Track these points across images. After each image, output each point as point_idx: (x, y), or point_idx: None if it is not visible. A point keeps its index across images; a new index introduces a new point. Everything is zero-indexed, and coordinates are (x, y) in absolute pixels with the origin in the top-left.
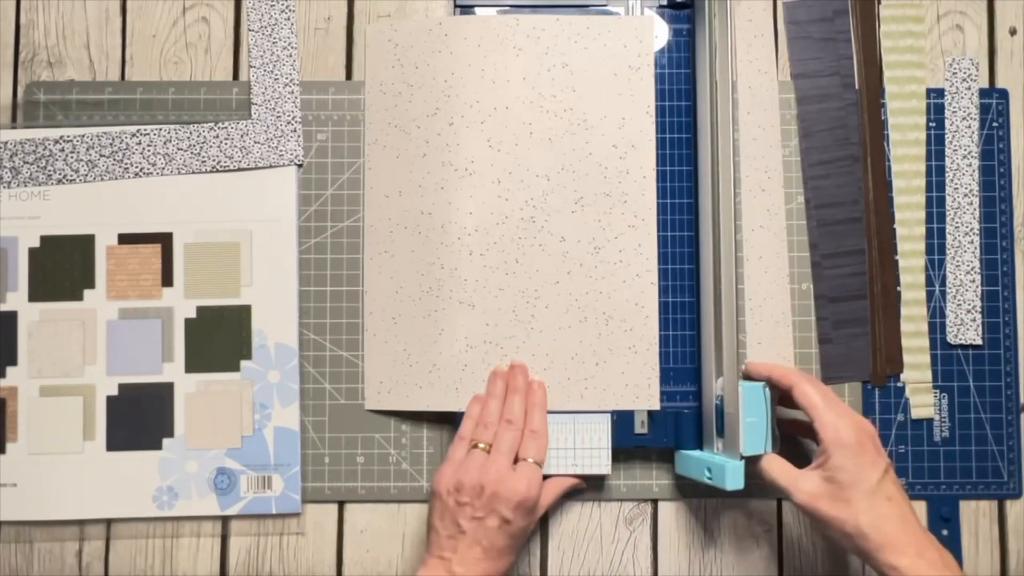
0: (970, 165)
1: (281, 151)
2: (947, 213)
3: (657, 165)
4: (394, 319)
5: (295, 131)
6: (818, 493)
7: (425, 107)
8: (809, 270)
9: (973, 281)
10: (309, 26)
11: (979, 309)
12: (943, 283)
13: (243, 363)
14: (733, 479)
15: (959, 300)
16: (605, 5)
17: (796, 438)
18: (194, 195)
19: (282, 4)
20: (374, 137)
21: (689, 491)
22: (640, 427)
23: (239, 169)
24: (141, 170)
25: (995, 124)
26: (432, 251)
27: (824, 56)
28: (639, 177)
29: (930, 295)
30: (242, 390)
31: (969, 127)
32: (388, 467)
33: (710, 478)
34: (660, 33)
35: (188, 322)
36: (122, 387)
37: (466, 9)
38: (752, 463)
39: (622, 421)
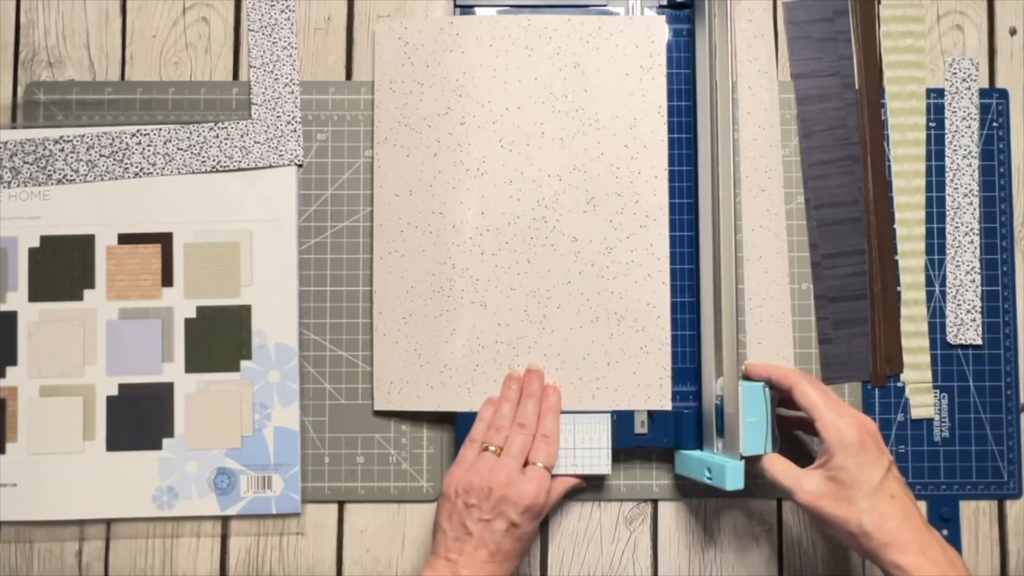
0: (970, 165)
1: (281, 151)
2: (947, 213)
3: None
4: (404, 319)
5: (295, 131)
6: (820, 493)
7: (436, 106)
8: (809, 270)
9: (973, 281)
10: (309, 26)
11: (979, 309)
12: (943, 283)
13: (243, 363)
14: (733, 479)
15: (959, 300)
16: (605, 5)
17: (796, 437)
18: (194, 195)
19: (282, 4)
20: (383, 135)
21: (689, 491)
22: (640, 427)
23: (239, 169)
24: (141, 170)
25: (995, 124)
26: (443, 251)
27: (824, 56)
28: (651, 177)
29: (930, 295)
30: (242, 390)
31: (969, 127)
32: (388, 467)
33: (710, 478)
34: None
35: (188, 322)
36: (122, 387)
37: (466, 9)
38: (753, 463)
39: (622, 421)
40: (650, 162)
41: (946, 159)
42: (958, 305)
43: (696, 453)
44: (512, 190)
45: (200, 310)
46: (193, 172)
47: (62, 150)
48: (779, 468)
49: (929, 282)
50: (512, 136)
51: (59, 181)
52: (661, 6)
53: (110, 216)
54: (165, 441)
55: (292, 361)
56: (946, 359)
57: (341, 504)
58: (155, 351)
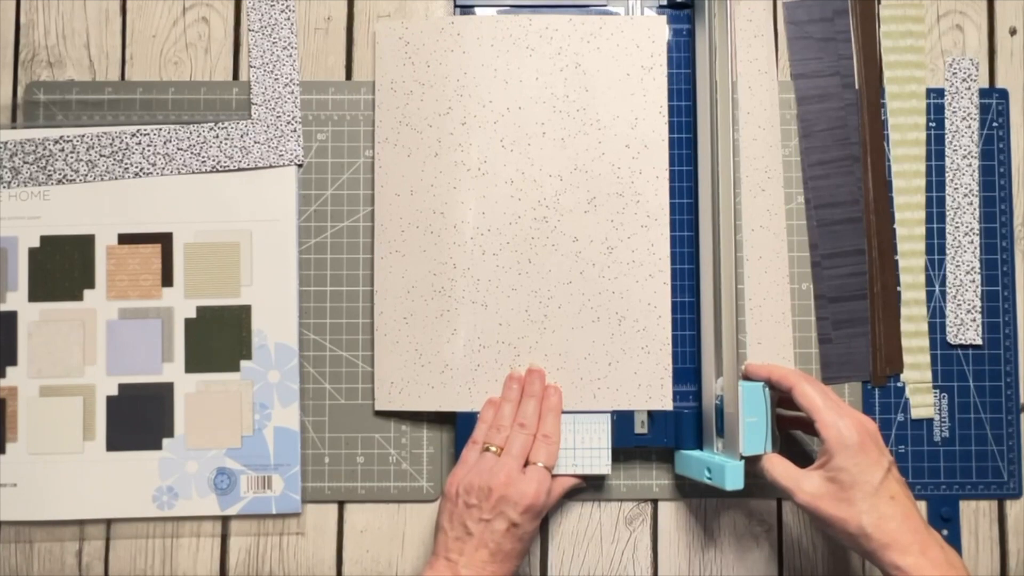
0: (970, 165)
1: (281, 151)
2: (947, 213)
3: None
4: (405, 319)
5: (295, 131)
6: (820, 493)
7: (437, 106)
8: (809, 270)
9: (973, 281)
10: (309, 26)
11: (979, 309)
12: (943, 283)
13: (243, 363)
14: (733, 479)
15: (959, 300)
16: (605, 5)
17: (796, 437)
18: (194, 195)
19: (282, 4)
20: (384, 135)
21: (689, 491)
22: (640, 427)
23: (239, 169)
24: (141, 170)
25: (995, 124)
26: (444, 250)
27: (824, 56)
28: (652, 177)
29: (930, 295)
30: (242, 390)
31: (969, 127)
32: (388, 467)
33: (710, 478)
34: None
35: (188, 322)
36: (122, 387)
37: (466, 9)
38: (753, 463)
39: (622, 421)
40: (651, 162)
41: (946, 159)
42: (958, 305)
43: (696, 453)
44: (513, 190)
45: (200, 310)
46: (193, 172)
47: (62, 150)
48: (779, 469)
49: (929, 282)
50: (513, 136)
51: (59, 181)
52: (661, 6)
53: (110, 216)
54: (165, 441)
55: (292, 361)
56: (946, 359)
57: (341, 504)
58: (155, 351)
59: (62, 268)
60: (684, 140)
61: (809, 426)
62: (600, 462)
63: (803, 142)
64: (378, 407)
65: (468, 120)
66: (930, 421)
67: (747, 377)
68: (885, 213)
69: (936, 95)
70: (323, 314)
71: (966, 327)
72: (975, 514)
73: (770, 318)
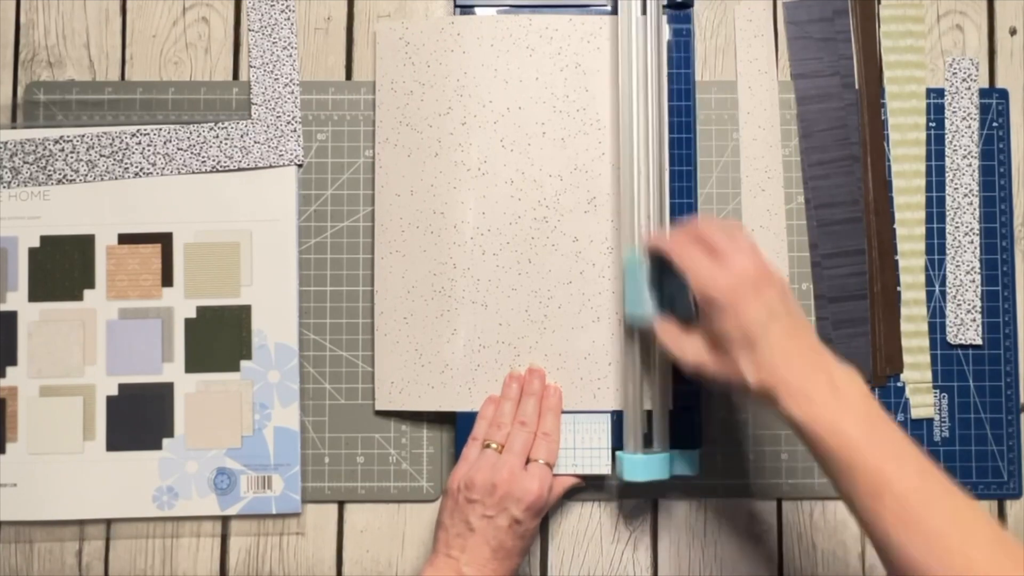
0: (970, 165)
1: (281, 151)
2: (947, 213)
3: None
4: (405, 319)
5: (295, 131)
6: (702, 355)
7: (437, 106)
8: (809, 270)
9: (973, 281)
10: (309, 26)
11: (979, 309)
12: (943, 283)
13: (243, 363)
14: (630, 471)
15: (959, 300)
16: (605, 5)
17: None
18: (194, 195)
19: (282, 4)
20: (385, 135)
21: (689, 491)
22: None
23: (239, 169)
24: (141, 170)
25: (995, 124)
26: (444, 251)
27: (824, 56)
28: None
29: (930, 295)
30: (242, 390)
31: (969, 127)
32: (388, 467)
33: (621, 475)
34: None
35: (188, 322)
36: (122, 387)
37: (466, 9)
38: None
39: (622, 421)
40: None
41: (946, 159)
42: (958, 305)
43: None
44: (513, 190)
45: (200, 310)
46: (193, 172)
47: (62, 150)
48: (666, 334)
49: (929, 282)
50: (513, 136)
51: (59, 181)
52: (662, 6)
53: (110, 216)
54: (165, 441)
55: (292, 361)
56: (946, 359)
57: (341, 504)
58: (155, 351)
59: (62, 268)
60: (684, 140)
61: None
62: (600, 462)
63: (803, 142)
64: (378, 407)
65: (468, 120)
66: (930, 421)
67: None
68: (885, 213)
69: (936, 95)
70: (323, 314)
71: (966, 327)
72: None
73: None
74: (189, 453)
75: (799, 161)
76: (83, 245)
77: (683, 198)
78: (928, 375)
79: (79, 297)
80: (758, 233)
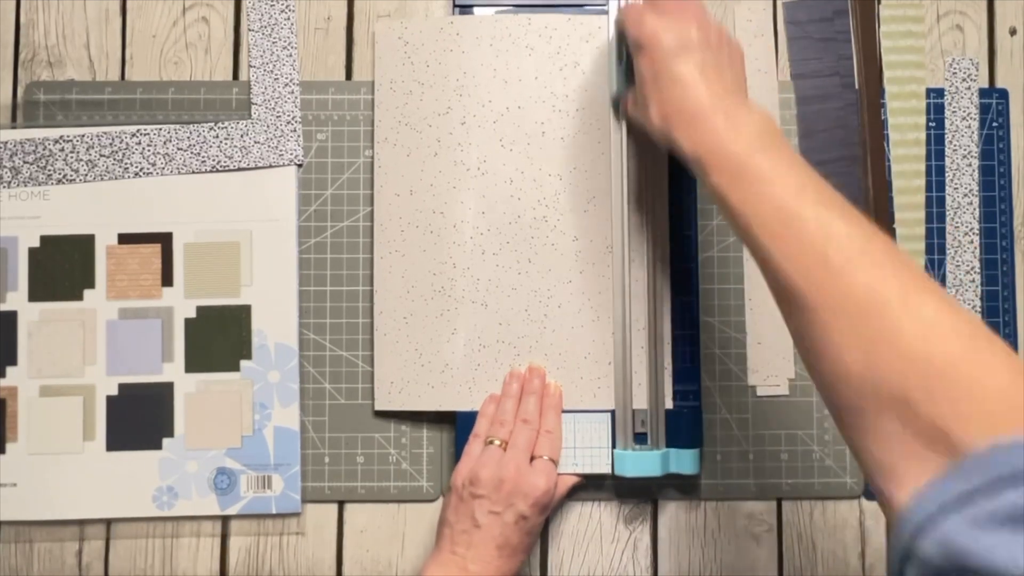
0: (970, 165)
1: (281, 151)
2: (947, 213)
3: None
4: (405, 319)
5: (295, 131)
6: (634, 104)
7: (436, 106)
8: None
9: (973, 281)
10: (309, 26)
11: (979, 309)
12: (943, 283)
13: (243, 363)
14: (620, 465)
15: (959, 300)
16: (604, 5)
17: (808, 447)
18: (194, 195)
19: (282, 4)
20: (384, 135)
21: (689, 491)
22: (640, 427)
23: (239, 169)
24: (141, 170)
25: (995, 124)
26: (444, 250)
27: (824, 56)
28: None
29: None
30: (242, 390)
31: (969, 127)
32: (388, 467)
33: (616, 470)
34: None
35: (188, 322)
36: (122, 387)
37: (465, 9)
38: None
39: None
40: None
41: (946, 159)
42: None
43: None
44: (513, 189)
45: (200, 310)
46: (193, 172)
47: (62, 150)
48: (629, 105)
49: None
50: (513, 135)
51: (59, 181)
52: None
53: (110, 216)
54: (165, 441)
55: (292, 361)
56: None
57: (341, 504)
58: (155, 351)
59: (62, 268)
60: None
61: None
62: (600, 461)
63: (803, 142)
64: (378, 407)
65: (468, 120)
66: None
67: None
68: (885, 213)
69: (936, 95)
70: (323, 314)
71: None
72: None
73: (770, 318)
74: (189, 453)
75: None
76: (83, 245)
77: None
78: None
79: (79, 297)
80: None
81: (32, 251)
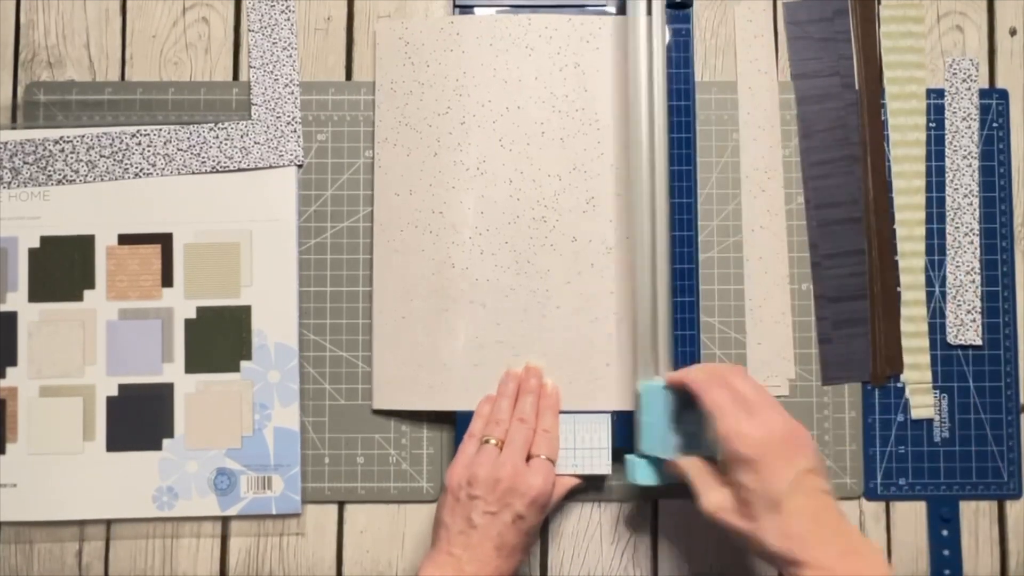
0: (970, 165)
1: (281, 151)
2: (947, 213)
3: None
4: (404, 318)
5: (295, 131)
6: (724, 505)
7: (436, 106)
8: (809, 270)
9: (973, 281)
10: (309, 26)
11: (979, 309)
12: (943, 283)
13: (243, 363)
14: (643, 475)
15: (959, 300)
16: (604, 5)
17: None
18: (194, 195)
19: (282, 4)
20: (384, 135)
21: (689, 491)
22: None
23: (239, 169)
24: (141, 170)
25: (995, 124)
26: (443, 250)
27: (824, 56)
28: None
29: (930, 295)
30: (242, 390)
31: (969, 127)
32: (388, 467)
33: (632, 476)
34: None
35: (188, 322)
36: (122, 387)
37: (465, 9)
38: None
39: (622, 421)
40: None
41: (946, 159)
42: (958, 305)
43: (629, 455)
44: (512, 190)
45: (200, 310)
46: (193, 172)
47: (62, 150)
48: (692, 471)
49: (929, 282)
50: (512, 136)
51: (59, 181)
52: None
53: (110, 216)
54: (165, 441)
55: (292, 361)
56: (946, 359)
57: (341, 504)
58: (155, 351)
59: (62, 268)
60: (684, 140)
61: None
62: (600, 462)
63: (803, 142)
64: (376, 406)
65: (467, 120)
66: (930, 421)
67: (670, 384)
68: (885, 213)
69: (936, 95)
70: (323, 314)
71: (966, 327)
72: (975, 514)
73: (770, 318)
74: (189, 453)
75: (799, 161)
76: (83, 245)
77: (683, 198)
78: (928, 375)
79: (79, 297)
80: (758, 233)
81: (32, 251)
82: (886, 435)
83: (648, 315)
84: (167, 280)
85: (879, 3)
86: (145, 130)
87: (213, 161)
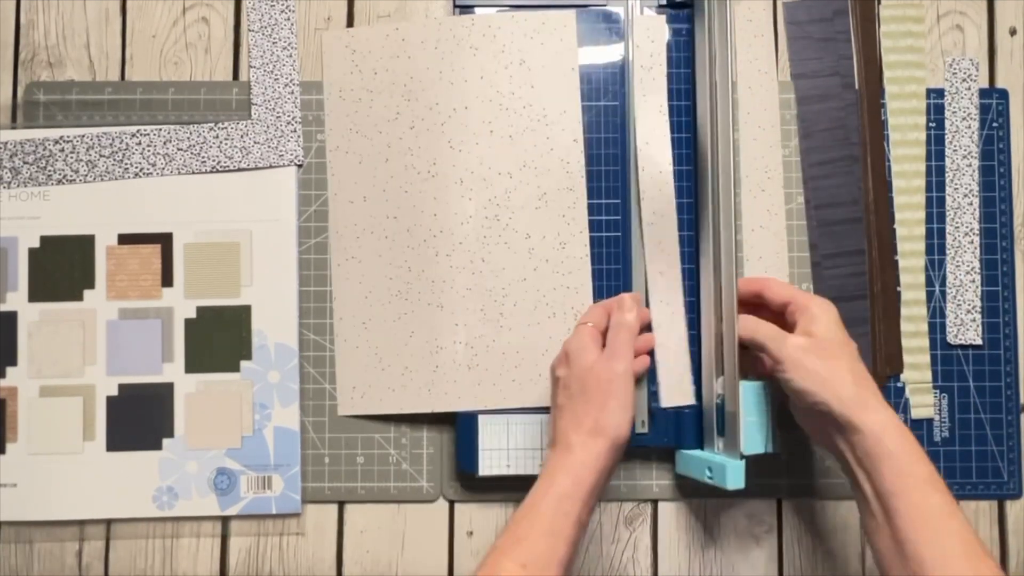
0: (970, 165)
1: (281, 151)
2: (947, 213)
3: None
4: (364, 324)
5: (295, 131)
6: (807, 347)
7: (386, 112)
8: (809, 270)
9: (973, 281)
10: (309, 26)
11: (979, 309)
12: (943, 283)
13: (243, 363)
14: (734, 479)
15: (959, 300)
16: (604, 5)
17: (800, 439)
18: (194, 195)
19: (282, 4)
20: (335, 143)
21: (689, 491)
22: (640, 427)
23: (239, 169)
24: (141, 170)
25: (995, 124)
26: (399, 254)
27: (824, 56)
28: (655, 173)
29: (930, 295)
30: (242, 390)
31: (969, 127)
32: (388, 467)
33: (711, 477)
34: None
35: (188, 322)
36: (122, 387)
37: (466, 9)
38: (753, 458)
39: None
40: (653, 159)
41: (946, 159)
42: (958, 305)
43: (697, 452)
44: (463, 190)
45: (200, 310)
46: (193, 172)
47: (62, 150)
48: (763, 329)
49: (929, 282)
50: (461, 136)
51: (59, 181)
52: (661, 6)
53: (110, 216)
54: (165, 441)
55: (292, 361)
56: (946, 359)
57: (341, 504)
58: (155, 351)
59: (62, 268)
60: (684, 140)
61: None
62: None
63: (803, 142)
64: (341, 412)
65: (416, 124)
66: (930, 421)
67: (741, 299)
68: (885, 213)
69: (936, 95)
70: (323, 314)
71: (966, 327)
72: (975, 514)
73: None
74: (189, 453)
75: (799, 161)
76: (83, 245)
77: (683, 198)
78: (928, 375)
79: (79, 297)
80: (758, 233)
81: (32, 251)
82: None
83: (712, 328)
84: (167, 280)
85: (879, 3)
86: (145, 130)
87: (213, 161)
